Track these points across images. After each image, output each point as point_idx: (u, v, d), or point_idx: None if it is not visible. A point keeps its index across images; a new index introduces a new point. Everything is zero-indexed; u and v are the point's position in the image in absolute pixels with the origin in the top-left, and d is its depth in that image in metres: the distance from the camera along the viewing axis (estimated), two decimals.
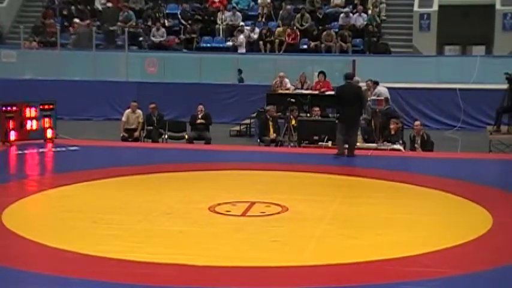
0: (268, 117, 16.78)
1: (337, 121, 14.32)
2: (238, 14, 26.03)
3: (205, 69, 22.67)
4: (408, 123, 17.87)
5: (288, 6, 25.98)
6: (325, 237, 8.51)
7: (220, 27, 25.77)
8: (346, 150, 13.82)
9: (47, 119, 15.18)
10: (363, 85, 18.87)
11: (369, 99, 17.74)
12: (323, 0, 26.50)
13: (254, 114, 19.61)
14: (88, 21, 26.04)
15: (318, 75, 20.30)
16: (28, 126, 14.96)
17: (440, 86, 20.98)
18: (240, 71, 22.73)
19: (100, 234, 8.46)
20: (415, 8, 25.38)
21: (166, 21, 26.22)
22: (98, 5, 27.49)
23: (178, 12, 26.53)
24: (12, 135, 14.78)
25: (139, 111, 17.00)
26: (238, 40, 24.63)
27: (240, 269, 7.40)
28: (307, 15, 25.30)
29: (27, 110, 14.97)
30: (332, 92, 19.59)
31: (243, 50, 24.54)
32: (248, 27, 25.18)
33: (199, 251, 7.85)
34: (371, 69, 20.57)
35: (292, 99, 17.62)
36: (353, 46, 24.47)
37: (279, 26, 25.09)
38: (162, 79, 22.56)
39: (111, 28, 25.80)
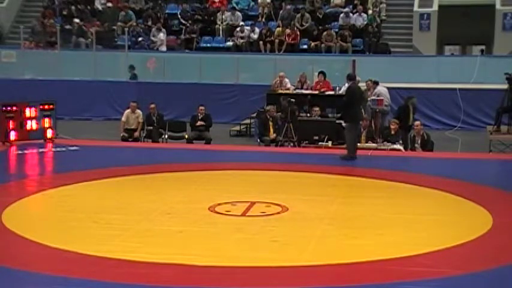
0: (268, 117, 16.79)
1: (344, 122, 14.13)
2: (238, 14, 26.04)
3: (205, 69, 22.66)
4: None
5: (288, 6, 26.00)
6: (325, 237, 8.51)
7: (220, 27, 25.77)
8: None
9: (47, 119, 15.19)
10: (362, 85, 18.92)
11: (368, 99, 17.77)
12: (323, 0, 26.52)
13: (254, 114, 19.61)
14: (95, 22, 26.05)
15: (318, 75, 20.30)
16: (28, 126, 14.96)
17: (440, 86, 20.98)
18: (132, 67, 22.80)
19: (100, 234, 8.46)
20: (415, 8, 25.39)
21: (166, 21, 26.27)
22: (98, 5, 27.50)
23: (178, 12, 26.54)
24: (12, 135, 14.79)
25: (139, 111, 17.00)
26: (159, 39, 24.63)
27: (240, 269, 7.40)
28: (307, 15, 25.31)
29: (27, 110, 14.97)
30: (332, 92, 19.65)
31: (164, 49, 24.56)
32: (248, 27, 25.19)
33: (199, 251, 7.85)
34: (371, 69, 20.56)
35: (292, 99, 17.61)
36: (353, 46, 24.47)
37: (278, 26, 25.10)
38: (162, 79, 22.57)
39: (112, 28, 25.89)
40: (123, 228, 8.69)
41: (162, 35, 24.80)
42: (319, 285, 6.96)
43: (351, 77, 14.35)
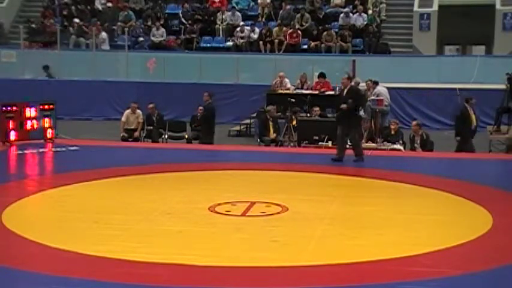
0: (268, 117, 16.80)
1: (355, 126, 13.64)
2: (238, 14, 26.04)
3: (205, 69, 22.65)
4: (408, 123, 17.87)
5: (288, 6, 26.00)
6: (325, 237, 8.52)
7: (220, 27, 25.77)
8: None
9: (47, 119, 15.20)
10: (362, 85, 18.94)
11: (368, 99, 17.78)
12: (323, 0, 26.52)
13: (254, 114, 19.61)
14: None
15: (318, 77, 20.30)
16: (28, 126, 14.97)
17: (440, 86, 20.97)
18: (46, 67, 22.88)
19: (100, 234, 8.47)
20: (415, 8, 25.39)
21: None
22: (98, 5, 27.50)
23: (180, 12, 26.54)
24: (12, 135, 14.79)
25: (139, 112, 17.03)
26: (101, 37, 24.75)
27: (240, 269, 7.40)
28: (307, 15, 25.31)
29: (27, 110, 14.98)
30: (332, 92, 19.65)
31: (107, 47, 24.68)
32: (248, 27, 25.19)
33: (199, 251, 7.85)
34: (371, 69, 20.57)
35: (292, 99, 17.62)
36: (353, 46, 24.47)
37: (278, 26, 25.07)
38: (162, 79, 22.57)
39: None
40: (123, 228, 8.69)
41: (104, 34, 24.86)
42: (319, 285, 6.96)
43: (351, 78, 14.11)
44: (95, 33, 24.37)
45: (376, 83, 18.47)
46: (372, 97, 17.74)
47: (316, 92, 19.71)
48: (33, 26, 26.12)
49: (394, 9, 26.43)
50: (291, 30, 24.58)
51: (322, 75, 20.20)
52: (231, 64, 22.90)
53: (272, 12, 26.32)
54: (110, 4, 27.16)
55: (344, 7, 25.85)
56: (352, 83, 14.23)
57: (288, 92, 19.67)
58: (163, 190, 10.95)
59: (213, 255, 7.67)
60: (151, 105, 17.18)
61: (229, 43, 25.19)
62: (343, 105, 13.27)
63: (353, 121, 13.48)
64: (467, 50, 28.99)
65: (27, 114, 14.95)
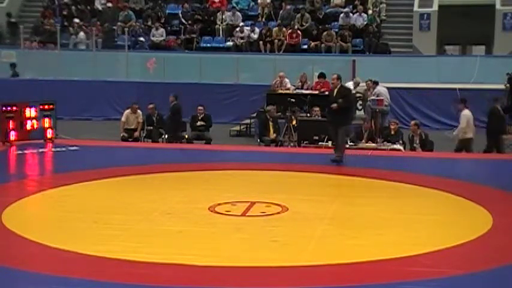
0: (268, 117, 16.80)
1: (344, 125, 13.59)
2: (238, 14, 26.04)
3: (205, 69, 22.66)
4: (408, 123, 17.87)
5: (288, 6, 26.00)
6: (325, 237, 8.52)
7: (220, 27, 25.78)
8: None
9: (47, 119, 15.21)
10: (362, 85, 18.95)
11: (368, 99, 17.79)
12: (323, 0, 26.52)
13: (254, 114, 19.61)
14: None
15: (318, 77, 20.29)
16: (28, 126, 14.98)
17: (440, 86, 20.97)
18: (14, 65, 23.03)
19: (100, 234, 8.47)
20: (415, 8, 25.39)
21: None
22: (98, 5, 27.50)
23: (180, 12, 26.54)
24: (12, 135, 14.79)
25: (139, 112, 17.03)
26: (79, 37, 24.88)
27: (240, 269, 7.41)
28: (307, 15, 25.31)
29: (27, 110, 14.99)
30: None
31: (83, 47, 24.78)
32: (248, 27, 25.19)
33: (199, 251, 7.85)
34: (371, 69, 20.56)
35: (292, 99, 17.61)
36: (353, 46, 24.47)
37: (277, 26, 25.07)
38: (162, 79, 22.56)
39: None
40: (123, 228, 8.69)
41: (82, 34, 24.99)
42: (319, 285, 6.97)
43: (340, 78, 13.89)
44: (95, 33, 24.38)
45: (376, 83, 18.46)
46: (372, 97, 17.74)
47: (316, 92, 19.68)
48: (13, 19, 26.19)
49: (394, 9, 26.43)
50: (290, 30, 24.59)
51: (322, 75, 20.17)
52: (231, 64, 22.90)
53: (272, 12, 26.31)
54: (110, 4, 27.16)
55: (344, 7, 25.85)
56: (350, 84, 14.22)
57: (288, 92, 19.65)
58: (163, 190, 10.95)
59: (213, 255, 7.68)
60: (151, 106, 17.19)
61: (229, 43, 25.19)
62: (334, 105, 13.25)
63: (343, 120, 13.47)
64: (467, 50, 29.01)
65: (27, 114, 14.96)
